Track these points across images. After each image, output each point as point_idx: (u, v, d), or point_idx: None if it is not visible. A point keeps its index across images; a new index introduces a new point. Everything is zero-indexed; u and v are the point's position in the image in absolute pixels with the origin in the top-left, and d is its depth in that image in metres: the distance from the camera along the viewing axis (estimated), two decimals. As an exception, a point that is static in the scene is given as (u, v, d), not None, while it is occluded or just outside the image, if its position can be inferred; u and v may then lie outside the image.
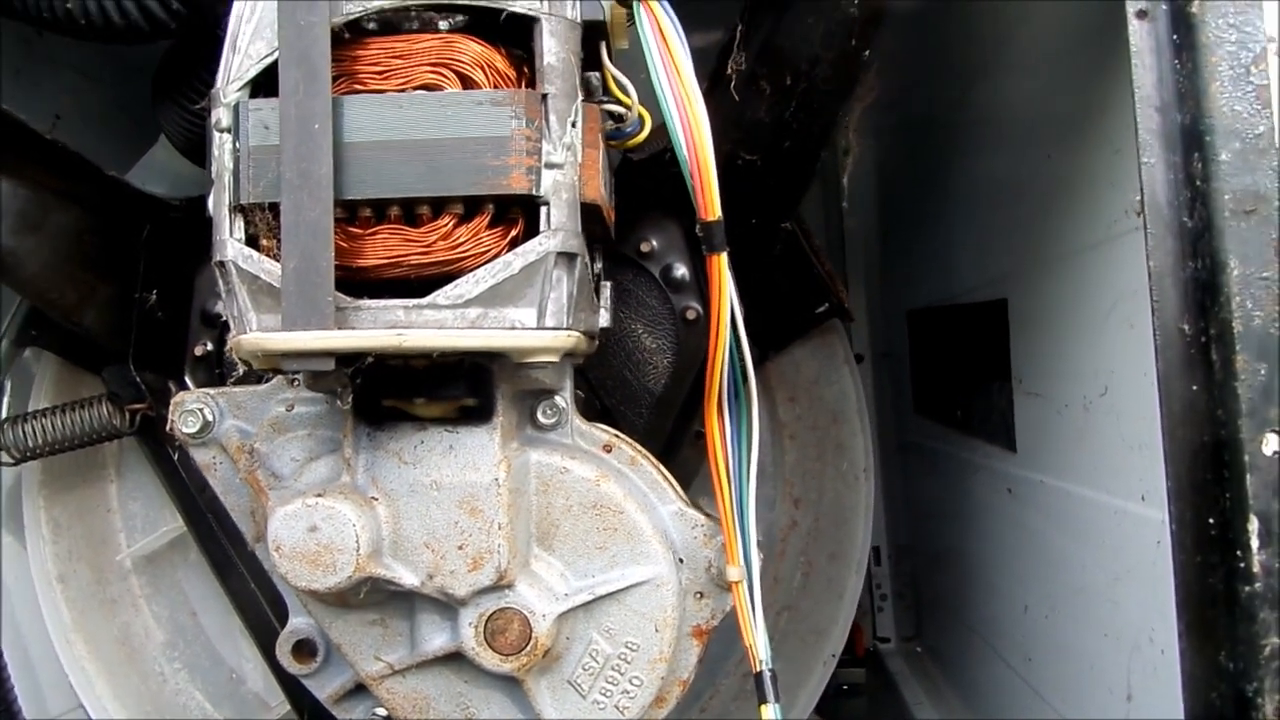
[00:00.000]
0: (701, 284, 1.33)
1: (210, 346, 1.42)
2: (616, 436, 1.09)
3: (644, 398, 1.36)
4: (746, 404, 1.06)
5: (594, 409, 1.32)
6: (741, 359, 1.03)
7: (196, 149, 1.29)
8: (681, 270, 1.33)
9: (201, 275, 1.41)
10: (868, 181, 2.31)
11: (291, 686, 1.41)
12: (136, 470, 1.52)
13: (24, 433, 1.38)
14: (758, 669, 1.02)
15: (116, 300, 1.36)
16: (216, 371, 1.41)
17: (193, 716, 1.53)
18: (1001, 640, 1.64)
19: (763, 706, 1.01)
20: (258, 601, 1.40)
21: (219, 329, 1.42)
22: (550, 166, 0.87)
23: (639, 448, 1.10)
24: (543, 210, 0.88)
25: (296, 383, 1.08)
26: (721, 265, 0.97)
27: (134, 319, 1.37)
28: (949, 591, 2.05)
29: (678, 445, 1.33)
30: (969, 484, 1.79)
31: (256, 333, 0.85)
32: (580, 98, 0.90)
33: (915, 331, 2.20)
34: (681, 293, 1.33)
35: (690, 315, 1.33)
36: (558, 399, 1.06)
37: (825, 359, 1.44)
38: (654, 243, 1.34)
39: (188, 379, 1.42)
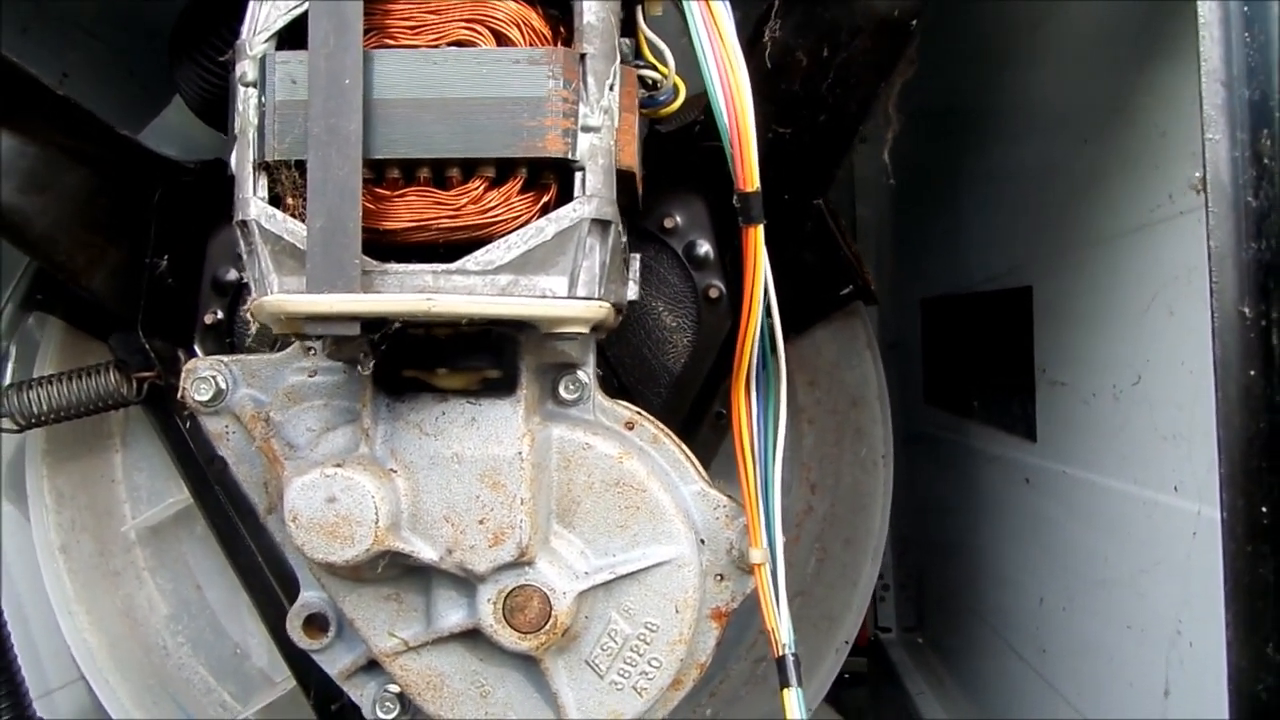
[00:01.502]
0: (725, 262, 1.31)
1: (221, 314, 1.39)
2: (639, 414, 1.07)
3: (662, 376, 1.33)
4: (775, 383, 1.04)
5: (611, 386, 1.30)
6: (772, 337, 1.01)
7: (212, 110, 1.27)
8: (705, 248, 1.31)
9: (214, 241, 1.39)
10: (878, 166, 2.28)
11: (298, 662, 1.39)
12: (143, 440, 1.49)
13: (28, 399, 1.35)
14: (780, 653, 1.00)
15: (126, 265, 1.33)
16: (227, 340, 1.39)
17: (196, 690, 1.50)
18: (1013, 633, 1.62)
19: (784, 691, 0.99)
20: (265, 576, 1.38)
21: (230, 296, 1.39)
22: (587, 130, 0.85)
23: (661, 426, 1.07)
24: (577, 175, 0.85)
25: (313, 351, 1.05)
26: (757, 238, 0.95)
27: (144, 284, 1.34)
28: (955, 583, 2.03)
29: (696, 425, 1.31)
30: (982, 474, 1.77)
31: (280, 295, 0.83)
32: (619, 59, 0.87)
33: (928, 320, 2.17)
34: (704, 270, 1.31)
35: (713, 294, 1.31)
36: (580, 373, 1.04)
37: (846, 342, 1.41)
38: (678, 218, 1.31)
39: (197, 347, 1.39)
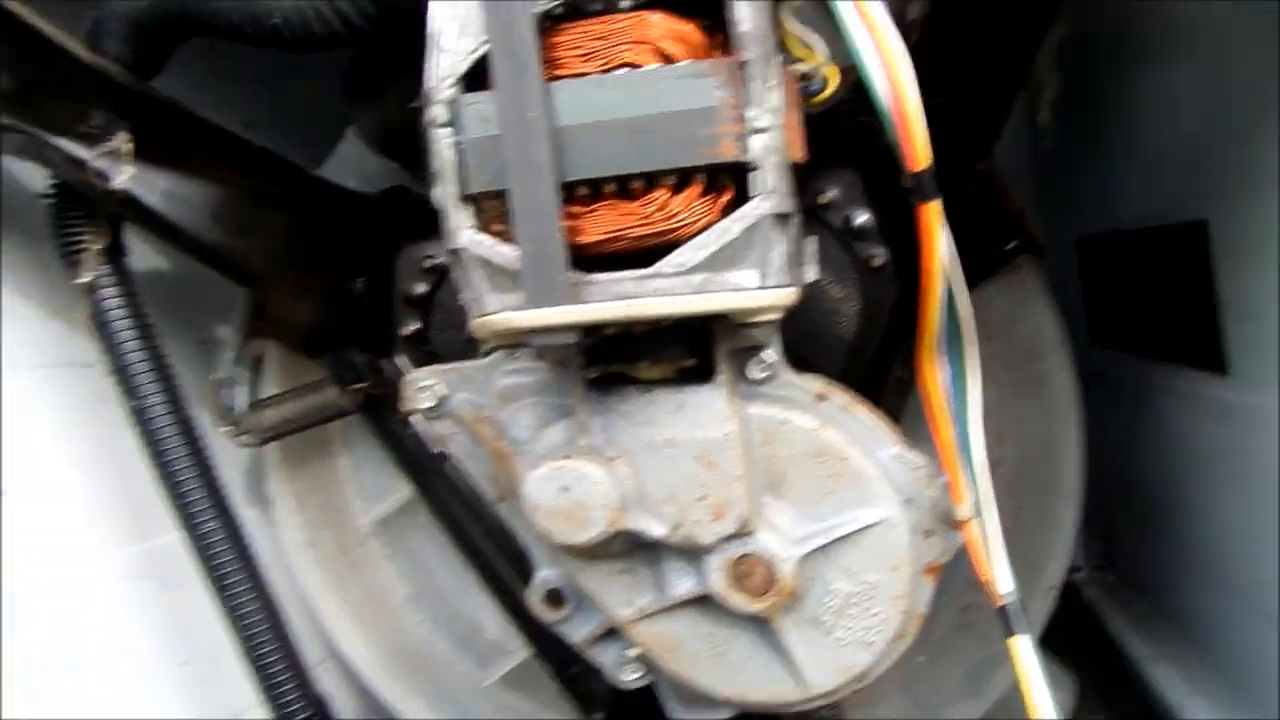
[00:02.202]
0: (885, 230, 1.31)
1: (416, 326, 1.50)
2: (828, 384, 1.10)
3: (836, 346, 1.35)
4: (963, 346, 1.04)
5: (788, 361, 1.33)
6: (955, 300, 1.01)
7: (389, 145, 1.35)
8: (863, 218, 1.31)
9: (400, 261, 1.49)
10: (1019, 106, 2.17)
11: (532, 632, 1.51)
12: (362, 444, 1.63)
13: (264, 416, 1.51)
14: (1001, 603, 1.03)
15: (328, 290, 1.46)
16: (423, 349, 1.50)
17: (440, 662, 1.66)
18: (1225, 567, 1.57)
19: (1011, 640, 1.02)
20: (490, 555, 1.50)
21: (421, 309, 1.50)
22: (757, 131, 0.87)
23: (851, 395, 1.10)
24: (752, 175, 0.88)
25: (517, 354, 1.14)
26: (933, 215, 0.95)
27: (346, 306, 1.46)
28: (1147, 520, 1.97)
29: (876, 390, 1.32)
30: (1165, 410, 1.71)
31: (506, 312, 0.90)
32: (779, 59, 0.89)
33: (1086, 259, 2.08)
34: (864, 241, 1.31)
35: (876, 262, 1.32)
36: (766, 354, 1.07)
37: (1017, 296, 1.39)
38: (832, 193, 1.32)
39: (399, 357, 1.51)
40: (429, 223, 1.43)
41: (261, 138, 1.41)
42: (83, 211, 1.22)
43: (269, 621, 1.35)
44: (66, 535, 1.41)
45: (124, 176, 1.17)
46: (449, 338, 1.50)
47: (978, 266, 1.35)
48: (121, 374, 1.27)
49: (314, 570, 1.64)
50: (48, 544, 1.38)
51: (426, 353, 1.49)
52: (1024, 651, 1.02)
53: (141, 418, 1.28)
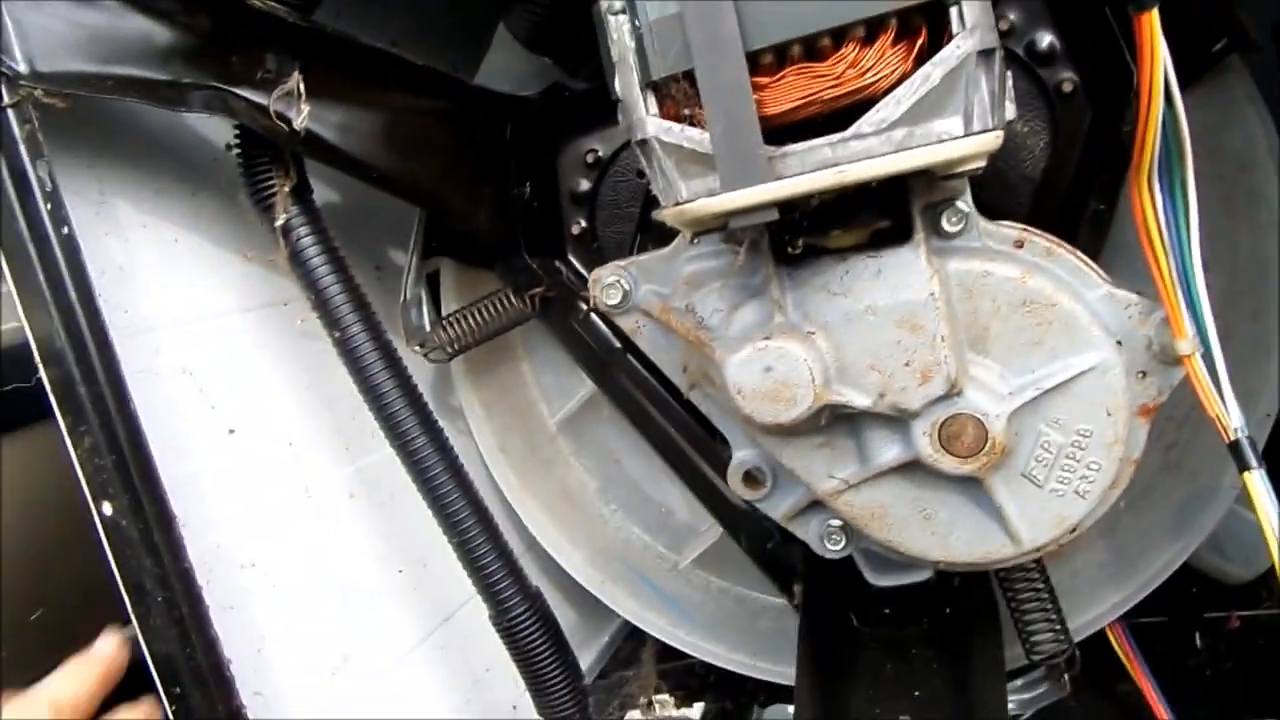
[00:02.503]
0: (1074, 50, 1.23)
1: (584, 224, 1.53)
2: (1026, 231, 1.06)
3: (1023, 186, 1.30)
4: (1180, 167, 0.98)
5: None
6: (1174, 121, 0.95)
7: (539, 40, 1.35)
8: (1048, 39, 1.23)
9: (562, 159, 1.51)
10: None
11: (722, 511, 1.56)
12: (542, 348, 1.69)
13: (450, 333, 1.57)
14: (1232, 437, 0.99)
15: (498, 198, 1.49)
16: (595, 246, 1.53)
17: (635, 547, 1.74)
18: None
19: (1245, 474, 0.99)
20: (676, 442, 1.55)
21: (587, 206, 1.52)
22: (955, -38, 0.83)
23: (1052, 238, 1.06)
24: (953, 10, 0.84)
25: (697, 240, 1.14)
26: (1153, 24, 0.89)
27: (517, 212, 1.49)
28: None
29: (1072, 228, 1.27)
30: None
31: (703, 199, 0.90)
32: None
33: None
34: (1052, 66, 1.24)
35: (1066, 88, 1.24)
36: (959, 204, 1.04)
37: (1222, 102, 1.27)
38: (1011, 18, 1.24)
39: (570, 257, 1.55)
40: (587, 117, 1.47)
41: (408, 53, 1.43)
42: (268, 156, 1.28)
43: (482, 523, 1.44)
44: (291, 464, 1.52)
45: (303, 115, 1.21)
46: (616, 231, 1.52)
47: (1181, 74, 1.25)
48: (322, 308, 1.33)
49: (508, 473, 1.73)
50: (276, 474, 1.50)
51: (596, 249, 1.52)
52: (1259, 486, 0.99)
53: (345, 346, 1.35)
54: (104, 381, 1.17)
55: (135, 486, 1.19)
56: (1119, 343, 1.04)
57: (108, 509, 1.18)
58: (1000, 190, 1.30)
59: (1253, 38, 1.17)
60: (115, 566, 1.20)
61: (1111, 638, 1.47)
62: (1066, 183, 1.26)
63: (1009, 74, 0.96)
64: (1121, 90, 1.19)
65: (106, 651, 1.17)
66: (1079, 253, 1.06)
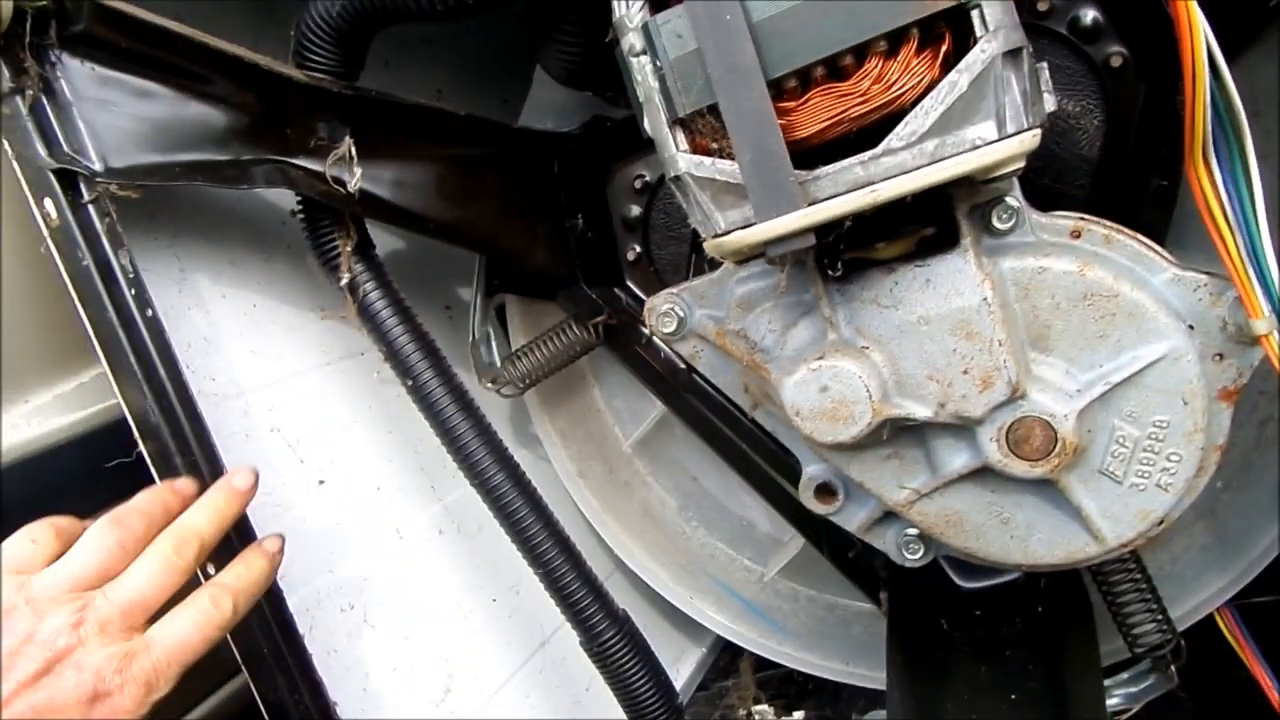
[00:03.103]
0: (1119, 23, 1.19)
1: (639, 249, 1.55)
2: (1081, 218, 1.03)
3: (1080, 167, 1.26)
4: (1238, 140, 0.94)
5: (1027, 194, 1.26)
6: (1225, 93, 0.91)
7: (575, 76, 1.37)
8: (1092, 14, 1.19)
9: (611, 188, 1.54)
10: None
11: (804, 523, 1.56)
12: (610, 373, 1.72)
13: (520, 367, 1.61)
14: (1320, 415, 0.94)
15: (553, 233, 1.52)
16: (651, 269, 1.55)
17: (720, 561, 1.75)
18: None
19: (1337, 452, 0.94)
20: (749, 457, 1.55)
21: (640, 231, 1.54)
22: (972, -36, 0.81)
23: (1109, 224, 1.02)
24: (974, 14, 0.82)
25: (745, 262, 1.14)
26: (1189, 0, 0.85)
27: (573, 245, 1.52)
28: None
29: (1136, 206, 1.22)
30: None
31: (738, 231, 0.90)
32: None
33: None
34: (1099, 41, 1.20)
35: (1115, 62, 1.20)
36: (1008, 200, 1.01)
37: (1290, 52, 1.21)
38: (1052, -5, 1.21)
39: (629, 282, 1.57)
40: (631, 144, 1.49)
41: (454, 103, 1.48)
42: (330, 219, 1.33)
43: (564, 551, 1.47)
44: (381, 507, 1.59)
45: (356, 178, 1.26)
46: (670, 253, 1.54)
47: (1239, 33, 1.18)
48: (393, 357, 1.39)
49: (589, 497, 1.76)
50: (367, 518, 1.56)
51: (653, 272, 1.54)
52: (1356, 463, 0.94)
53: (418, 392, 1.40)
54: (198, 450, 1.24)
55: (234, 546, 1.26)
56: (1190, 327, 1.00)
57: (211, 570, 1.25)
58: (1058, 174, 1.27)
59: (1317, -14, 1.11)
60: (225, 625, 1.27)
61: (1220, 623, 1.41)
62: (1125, 160, 1.22)
63: (1043, 65, 0.94)
64: (1173, 60, 1.14)
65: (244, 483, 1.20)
66: (1140, 236, 1.02)
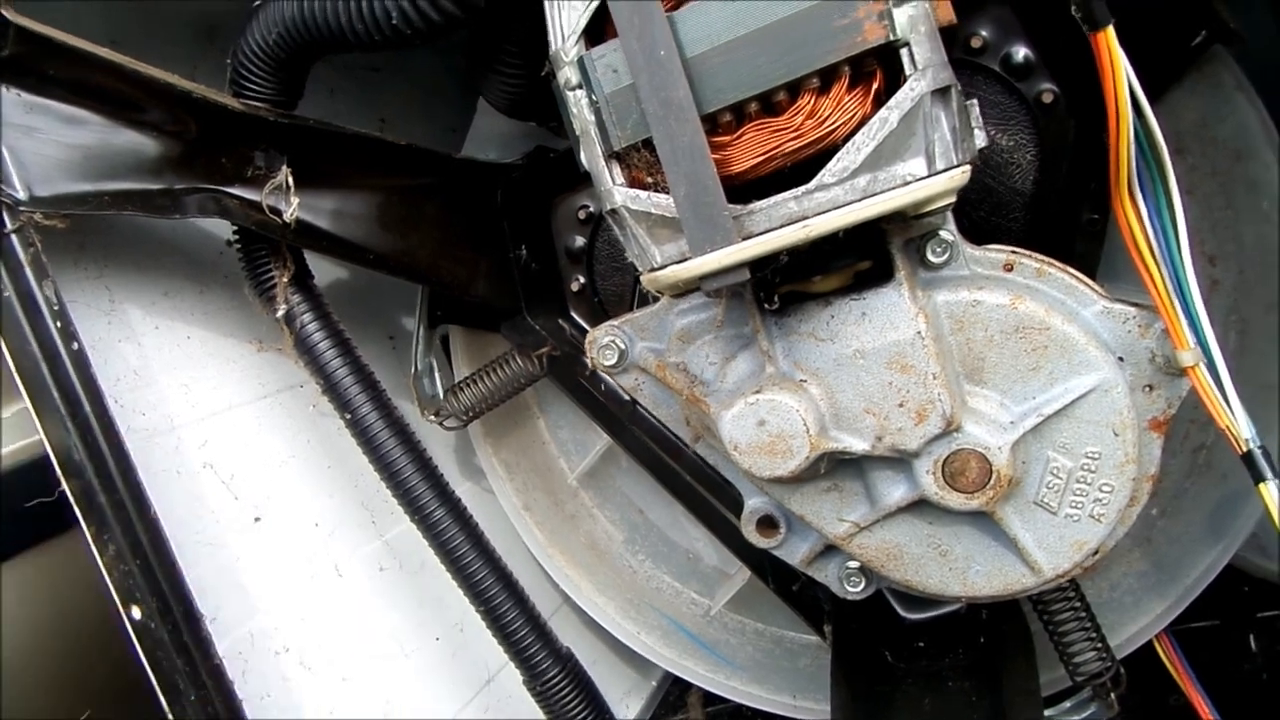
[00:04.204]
0: (1050, 61, 1.22)
1: (583, 280, 1.54)
2: (1014, 253, 1.04)
3: (1015, 200, 1.28)
4: (1161, 176, 0.96)
5: (963, 227, 1.28)
6: (1148, 131, 0.93)
7: (518, 107, 1.37)
8: (1023, 53, 1.22)
9: (555, 218, 1.53)
10: None
11: (747, 554, 1.55)
12: (555, 404, 1.70)
13: (462, 399, 1.59)
14: (1243, 449, 0.96)
15: (495, 264, 1.51)
16: (595, 300, 1.54)
17: (667, 594, 1.74)
18: None
19: (1261, 486, 0.95)
20: (694, 489, 1.54)
21: (584, 262, 1.54)
22: (899, 4, 0.83)
23: (1041, 257, 1.04)
24: (903, 52, 0.84)
25: (683, 295, 1.14)
26: (1110, 42, 0.87)
27: (516, 276, 1.51)
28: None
29: (1069, 239, 1.25)
30: None
31: (672, 266, 0.90)
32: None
33: None
34: (1030, 78, 1.23)
35: (1047, 99, 1.23)
36: (942, 234, 1.03)
37: (1212, 93, 1.25)
38: (984, 34, 1.24)
39: (573, 313, 1.56)
40: (575, 175, 1.48)
41: (398, 131, 1.47)
42: (266, 249, 1.31)
43: (507, 589, 1.44)
44: (320, 544, 1.55)
45: (293, 207, 1.24)
46: (614, 284, 1.53)
47: (1162, 73, 1.22)
48: (331, 390, 1.36)
49: (535, 530, 1.74)
50: (305, 556, 1.52)
51: (597, 303, 1.53)
52: (1275, 496, 0.95)
53: (357, 426, 1.38)
54: (123, 489, 1.20)
55: (162, 589, 1.22)
56: (1121, 359, 1.02)
57: (136, 613, 1.21)
58: (993, 207, 1.29)
59: (1233, 27, 1.15)
60: (149, 668, 1.23)
61: (1159, 649, 1.43)
62: (1058, 194, 1.24)
63: (973, 103, 0.95)
64: (1101, 98, 1.17)
65: None
66: (1071, 270, 1.04)
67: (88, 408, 1.17)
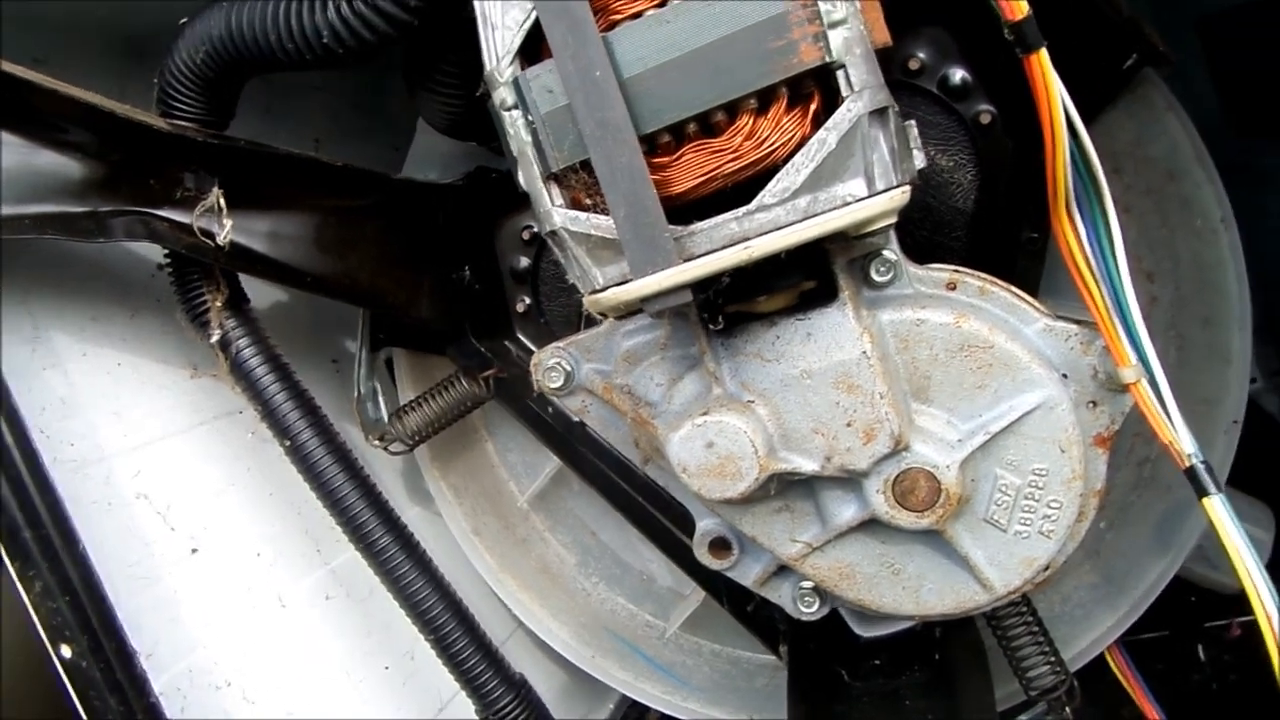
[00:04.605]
0: (987, 82, 1.23)
1: (528, 300, 1.52)
2: (956, 272, 1.05)
3: (956, 220, 1.29)
4: (1097, 196, 0.97)
5: (906, 246, 1.28)
6: (1083, 152, 0.94)
7: (458, 127, 1.35)
8: (960, 75, 1.23)
9: (498, 239, 1.51)
10: None
11: (701, 574, 1.53)
12: (503, 427, 1.67)
13: (407, 423, 1.56)
14: (1186, 463, 0.97)
15: (439, 285, 1.48)
16: (542, 321, 1.52)
17: (621, 617, 1.71)
18: None
19: (1204, 501, 0.96)
20: (646, 510, 1.52)
21: (529, 283, 1.52)
22: (834, 25, 0.82)
23: (984, 276, 1.04)
24: (839, 74, 0.83)
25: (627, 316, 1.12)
26: (1043, 63, 0.88)
27: (460, 296, 1.48)
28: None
29: (1010, 257, 1.25)
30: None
31: (614, 288, 0.89)
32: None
33: (1213, 43, 1.88)
34: (968, 99, 1.24)
35: (984, 119, 1.24)
36: (885, 253, 1.03)
37: (1142, 114, 1.27)
38: (921, 56, 1.24)
39: (519, 335, 1.53)
40: (518, 195, 1.46)
41: (335, 151, 1.43)
42: (199, 273, 1.27)
43: (456, 616, 1.41)
44: (262, 574, 1.50)
45: (226, 230, 1.20)
46: (560, 305, 1.51)
47: (1095, 95, 1.23)
48: (269, 416, 1.32)
49: (485, 556, 1.70)
50: (246, 587, 1.47)
51: (544, 324, 1.51)
52: (1219, 511, 0.96)
53: (296, 453, 1.34)
54: (49, 523, 1.15)
55: (93, 626, 1.17)
56: (1064, 376, 1.02)
57: (66, 652, 1.16)
58: (935, 226, 1.29)
59: (1162, 50, 1.17)
60: (80, 708, 1.18)
61: (1110, 661, 1.43)
62: (998, 213, 1.25)
63: (911, 124, 0.95)
64: (1037, 118, 1.18)
65: None
66: (1013, 288, 1.04)
67: (8, 438, 1.13)
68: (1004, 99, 1.22)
